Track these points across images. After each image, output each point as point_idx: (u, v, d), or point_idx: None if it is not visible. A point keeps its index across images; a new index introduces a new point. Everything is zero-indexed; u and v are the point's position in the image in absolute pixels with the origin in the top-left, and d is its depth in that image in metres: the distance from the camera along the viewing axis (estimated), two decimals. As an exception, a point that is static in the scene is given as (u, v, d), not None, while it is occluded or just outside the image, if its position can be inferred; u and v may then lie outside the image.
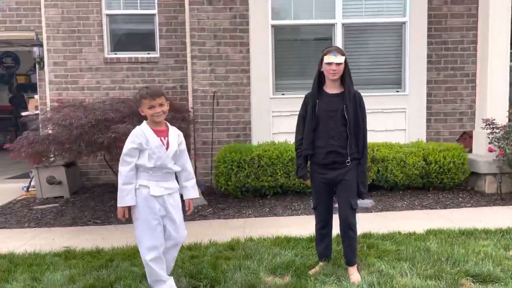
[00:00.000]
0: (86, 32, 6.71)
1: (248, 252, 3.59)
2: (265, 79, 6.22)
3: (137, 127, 2.92)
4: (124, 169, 2.83)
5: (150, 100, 2.83)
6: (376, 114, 6.22)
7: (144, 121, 2.95)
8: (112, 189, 6.34)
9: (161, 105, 2.86)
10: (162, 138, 2.89)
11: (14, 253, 3.74)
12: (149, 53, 6.85)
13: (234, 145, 5.71)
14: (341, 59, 3.06)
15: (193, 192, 3.07)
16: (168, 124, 3.02)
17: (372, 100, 6.24)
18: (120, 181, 2.83)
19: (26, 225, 4.83)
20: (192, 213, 5.02)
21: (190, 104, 6.42)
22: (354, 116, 3.11)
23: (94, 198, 5.91)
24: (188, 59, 6.44)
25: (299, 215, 4.88)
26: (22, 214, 5.25)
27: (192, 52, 6.38)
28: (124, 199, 2.81)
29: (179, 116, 5.64)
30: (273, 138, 6.13)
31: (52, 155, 5.23)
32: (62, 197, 6.05)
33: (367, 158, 3.21)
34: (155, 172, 2.86)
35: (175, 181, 3.01)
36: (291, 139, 6.04)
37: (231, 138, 6.44)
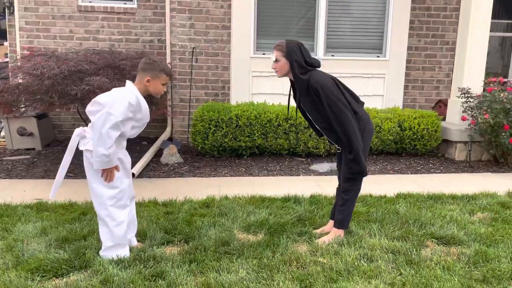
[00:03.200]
0: (59, -23, 6.34)
1: (223, 210, 3.63)
2: (246, 37, 6.08)
3: (129, 91, 2.66)
4: (114, 134, 2.56)
5: (169, 78, 2.78)
6: (355, 78, 6.23)
7: (132, 85, 2.71)
8: (86, 143, 6.23)
9: (164, 84, 2.81)
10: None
11: (-17, 204, 3.67)
12: (125, 3, 6.55)
13: (212, 104, 5.64)
14: (273, 57, 2.96)
15: None
16: None
17: (352, 64, 6.24)
18: (107, 144, 2.55)
19: (-4, 176, 4.72)
20: (167, 170, 5.01)
21: (168, 59, 6.25)
22: (313, 110, 3.00)
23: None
24: (167, 12, 6.20)
25: (275, 175, 4.93)
26: (-9, 165, 5.11)
27: (171, 4, 6.14)
28: (112, 161, 2.62)
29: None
30: (252, 99, 6.09)
31: (22, 106, 5.05)
32: (34, 149, 5.92)
33: (354, 148, 2.90)
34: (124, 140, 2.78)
35: None
36: (271, 100, 6.03)
37: (210, 96, 6.36)
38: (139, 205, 3.69)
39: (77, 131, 2.76)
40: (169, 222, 3.34)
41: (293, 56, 2.92)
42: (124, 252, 2.79)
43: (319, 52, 6.23)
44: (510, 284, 2.56)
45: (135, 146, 6.15)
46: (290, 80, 3.10)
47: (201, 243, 2.98)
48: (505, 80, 5.59)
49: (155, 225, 3.28)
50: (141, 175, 4.81)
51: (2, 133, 6.11)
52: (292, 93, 3.18)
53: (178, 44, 6.23)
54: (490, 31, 5.80)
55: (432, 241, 3.14)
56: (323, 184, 4.58)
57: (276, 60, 2.96)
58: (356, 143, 2.90)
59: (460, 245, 3.08)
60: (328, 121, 2.99)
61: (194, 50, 6.16)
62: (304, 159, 5.53)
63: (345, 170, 3.05)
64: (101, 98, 2.67)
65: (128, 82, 2.75)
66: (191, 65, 6.20)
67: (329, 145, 5.51)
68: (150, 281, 2.54)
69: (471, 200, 4.04)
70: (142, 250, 2.86)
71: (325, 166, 5.24)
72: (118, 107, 2.58)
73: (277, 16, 6.20)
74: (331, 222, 3.27)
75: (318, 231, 3.27)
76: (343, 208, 3.12)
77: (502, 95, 5.15)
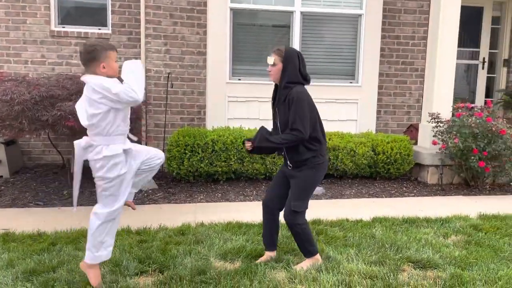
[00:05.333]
0: (32, 2, 6.26)
1: (199, 237, 3.56)
2: (222, 63, 6.13)
3: (101, 77, 2.56)
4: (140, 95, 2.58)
5: (116, 52, 2.66)
6: (330, 104, 6.34)
7: (96, 76, 2.58)
8: (56, 169, 6.05)
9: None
10: None
11: None
12: (100, 29, 6.52)
13: (187, 129, 5.60)
14: (271, 60, 2.98)
15: None
16: None
17: (326, 90, 6.35)
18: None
19: (-41, 205, 4.50)
20: (142, 197, 4.90)
21: (143, 85, 6.21)
22: (285, 122, 2.97)
23: (36, 179, 5.61)
24: (142, 38, 6.20)
25: (251, 200, 4.90)
26: (-46, 194, 4.88)
27: (147, 30, 6.16)
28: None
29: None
30: (228, 124, 6.09)
31: (-10, 132, 4.89)
32: (1, 176, 5.69)
33: (281, 141, 2.90)
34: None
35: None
36: (246, 124, 6.05)
37: (185, 121, 6.33)
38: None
39: (81, 142, 2.66)
40: (143, 251, 3.24)
41: (290, 62, 2.94)
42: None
43: (293, 78, 6.32)
44: (486, 307, 2.58)
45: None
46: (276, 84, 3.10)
47: (177, 273, 2.90)
48: (473, 105, 5.81)
49: (128, 255, 3.17)
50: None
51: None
52: (273, 95, 3.14)
53: (154, 70, 6.21)
54: (457, 58, 6.05)
55: (409, 265, 3.15)
56: (299, 209, 4.56)
57: (274, 64, 2.97)
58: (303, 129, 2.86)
59: (436, 268, 3.10)
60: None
61: (170, 75, 6.15)
62: (280, 184, 5.51)
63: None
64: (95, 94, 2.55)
65: (88, 76, 2.60)
66: (167, 90, 6.17)
67: (305, 170, 5.52)
68: (123, 314, 2.43)
69: (445, 223, 4.11)
70: (114, 282, 2.75)
71: (301, 190, 5.24)
72: (114, 85, 2.53)
73: (252, 42, 6.30)
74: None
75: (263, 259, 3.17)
76: (296, 238, 3.06)
77: (470, 120, 5.33)
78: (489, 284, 2.84)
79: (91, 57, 2.58)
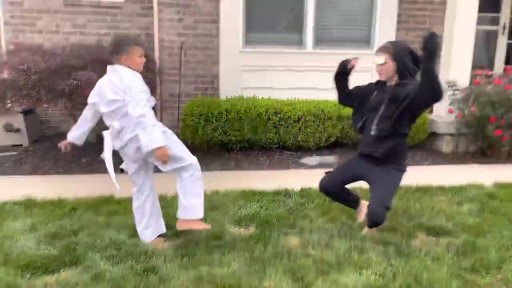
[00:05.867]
0: (44, -30, 6.22)
1: (214, 204, 3.63)
2: (235, 31, 6.06)
3: (128, 70, 2.71)
4: (147, 111, 2.64)
5: (142, 48, 2.78)
6: (344, 72, 6.24)
7: (123, 66, 2.73)
8: (74, 139, 6.16)
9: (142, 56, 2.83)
10: None
11: (-29, 201, 3.62)
12: (113, -3, 6.46)
13: (201, 99, 5.62)
14: (380, 60, 2.92)
15: None
16: None
17: (341, 58, 6.23)
18: (149, 123, 2.62)
19: (-18, 173, 4.65)
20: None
21: (157, 54, 6.20)
22: (386, 118, 2.97)
23: (55, 148, 5.69)
24: (155, 6, 6.14)
25: (265, 169, 4.94)
26: (-23, 162, 5.03)
27: (160, -2, 6.08)
28: (160, 138, 2.65)
29: (145, 66, 5.46)
30: (242, 93, 6.06)
31: (9, 101, 4.97)
32: (21, 145, 5.83)
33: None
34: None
35: None
36: (260, 94, 6.02)
37: (199, 91, 6.32)
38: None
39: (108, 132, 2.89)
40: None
41: (402, 59, 2.88)
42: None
43: (307, 46, 6.23)
44: (498, 273, 2.61)
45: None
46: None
47: (193, 238, 2.99)
48: (491, 72, 5.67)
49: (146, 220, 3.26)
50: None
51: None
52: (372, 88, 3.12)
53: (167, 39, 6.17)
54: (476, 24, 5.86)
55: (422, 232, 3.18)
56: (312, 177, 4.57)
57: (384, 63, 2.92)
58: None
59: (449, 235, 3.13)
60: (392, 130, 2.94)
61: (183, 45, 6.12)
62: (293, 153, 5.54)
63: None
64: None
65: (116, 66, 2.74)
66: (180, 60, 6.15)
67: (318, 139, 5.53)
68: (142, 276, 2.53)
69: (459, 191, 4.10)
70: (134, 245, 2.86)
71: (314, 159, 5.27)
72: (136, 87, 2.67)
73: (266, 10, 6.18)
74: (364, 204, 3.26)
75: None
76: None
77: (488, 87, 5.21)
78: (502, 251, 2.86)
79: (115, 50, 2.74)
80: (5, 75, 4.89)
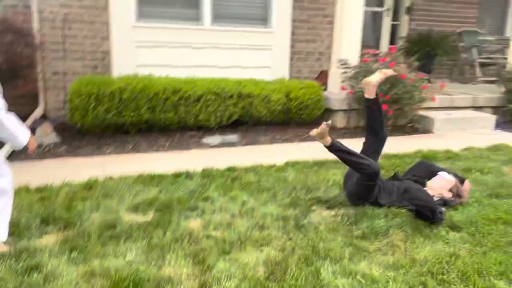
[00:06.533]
0: None
1: (108, 191, 3.37)
2: (126, 3, 5.63)
3: None
4: None
5: None
6: (243, 50, 6.22)
7: None
8: None
9: None
10: None
11: None
12: (-23, -40, 5.57)
13: (91, 77, 5.15)
14: None
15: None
16: None
17: (239, 35, 6.20)
18: None
19: None
20: (42, 152, 4.49)
21: (36, 27, 5.52)
22: None
23: None
24: (31, -28, 5.43)
25: (165, 151, 4.74)
26: None
27: (36, -37, 5.39)
28: None
29: (21, 40, 4.84)
30: (137, 71, 5.69)
31: None
32: None
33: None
34: None
35: None
36: (157, 71, 5.72)
37: (88, 69, 5.81)
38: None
39: None
40: (45, 209, 3.00)
41: None
42: None
43: (205, 22, 6.06)
44: (385, 238, 2.81)
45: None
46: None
47: (83, 229, 2.73)
48: (377, 51, 6.07)
49: (28, 214, 2.91)
50: (9, 158, 4.23)
51: None
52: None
53: (48, 10, 5.52)
54: (364, 6, 6.20)
55: (319, 205, 3.30)
56: (215, 156, 4.53)
57: None
58: None
59: (343, 207, 3.29)
60: None
61: (66, 17, 5.53)
62: (195, 133, 5.40)
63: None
64: None
65: None
66: (64, 35, 5.57)
67: (220, 118, 5.45)
68: (24, 276, 2.24)
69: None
70: (9, 243, 2.52)
71: (216, 139, 5.19)
72: None
73: (160, -18, 5.85)
74: None
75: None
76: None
77: (374, 65, 5.57)
78: (389, 219, 3.08)
79: None
80: None
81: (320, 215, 3.11)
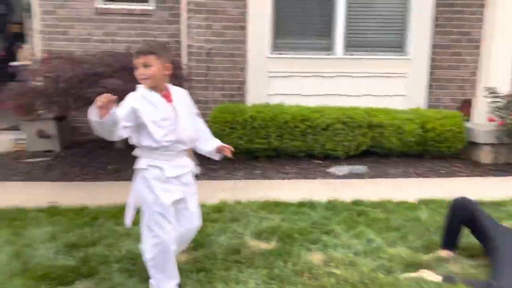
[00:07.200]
0: (76, -20, 6.37)
1: (235, 215, 3.53)
2: (262, 36, 5.96)
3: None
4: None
5: (135, 58, 2.34)
6: (376, 78, 6.03)
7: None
8: (103, 144, 6.24)
9: (146, 65, 2.30)
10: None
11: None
12: (143, 4, 6.53)
13: (227, 105, 5.55)
14: None
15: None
16: (170, 88, 2.47)
17: (373, 63, 6.04)
18: None
19: (14, 178, 4.76)
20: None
21: (184, 61, 6.19)
22: None
23: (84, 154, 5.82)
24: (183, 13, 6.15)
25: (291, 178, 4.80)
26: (10, 167, 5.17)
27: (188, 5, 6.08)
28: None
29: (172, 73, 5.46)
30: (268, 100, 5.95)
31: (40, 109, 5.09)
32: (53, 151, 5.96)
33: None
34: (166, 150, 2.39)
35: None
36: (287, 100, 5.89)
37: (226, 98, 6.26)
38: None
39: None
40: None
41: None
42: None
43: (337, 51, 6.06)
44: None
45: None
46: None
47: (211, 251, 2.89)
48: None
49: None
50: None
51: (23, 136, 6.17)
52: None
53: (195, 45, 6.16)
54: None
55: (457, 252, 2.95)
56: (340, 188, 4.42)
57: None
58: None
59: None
60: None
61: (210, 51, 6.09)
62: (321, 162, 5.37)
63: None
64: None
65: None
66: (207, 66, 6.13)
67: (347, 148, 5.33)
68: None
69: (499, 206, 3.81)
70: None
71: (343, 169, 5.08)
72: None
73: (294, 14, 6.06)
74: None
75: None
76: None
77: (532, 94, 4.87)
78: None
79: None
80: (38, 82, 5.00)
81: (458, 265, 2.77)
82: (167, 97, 2.43)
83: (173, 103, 2.43)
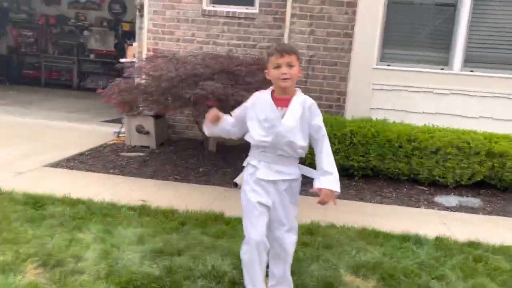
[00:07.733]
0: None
1: (328, 241, 3.19)
2: (370, 45, 5.51)
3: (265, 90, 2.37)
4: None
5: (277, 56, 2.22)
6: (498, 99, 5.26)
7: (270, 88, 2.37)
8: (195, 145, 6.27)
9: (290, 65, 2.22)
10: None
11: (93, 200, 3.75)
12: (247, 8, 6.46)
13: (325, 117, 5.13)
14: None
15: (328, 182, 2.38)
16: (298, 93, 2.36)
17: (494, 82, 5.29)
18: None
19: (110, 171, 4.91)
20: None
21: (284, 67, 5.99)
22: None
23: (177, 152, 5.87)
24: (287, 17, 5.95)
25: (390, 204, 4.33)
26: (109, 159, 5.37)
27: (293, 9, 5.87)
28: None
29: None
30: (370, 114, 5.49)
31: (141, 105, 5.21)
32: (149, 147, 6.12)
33: None
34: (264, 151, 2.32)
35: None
36: (390, 116, 5.39)
37: (323, 108, 5.92)
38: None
39: None
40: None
41: None
42: None
43: (454, 66, 5.40)
44: None
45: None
46: None
47: (302, 282, 2.59)
48: None
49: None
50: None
51: (123, 129, 6.44)
52: None
53: (296, 51, 5.92)
54: None
55: None
56: (450, 223, 3.85)
57: None
58: None
59: None
60: None
61: (312, 58, 5.81)
62: (426, 189, 4.79)
63: None
64: None
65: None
66: (307, 74, 5.85)
67: (459, 176, 4.69)
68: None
69: None
70: (232, 280, 2.57)
71: (452, 199, 4.47)
72: None
73: (407, 23, 5.53)
74: None
75: None
76: None
77: None
78: None
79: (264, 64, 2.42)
80: (142, 80, 5.13)
81: None
82: (287, 100, 2.30)
83: (288, 108, 2.29)
